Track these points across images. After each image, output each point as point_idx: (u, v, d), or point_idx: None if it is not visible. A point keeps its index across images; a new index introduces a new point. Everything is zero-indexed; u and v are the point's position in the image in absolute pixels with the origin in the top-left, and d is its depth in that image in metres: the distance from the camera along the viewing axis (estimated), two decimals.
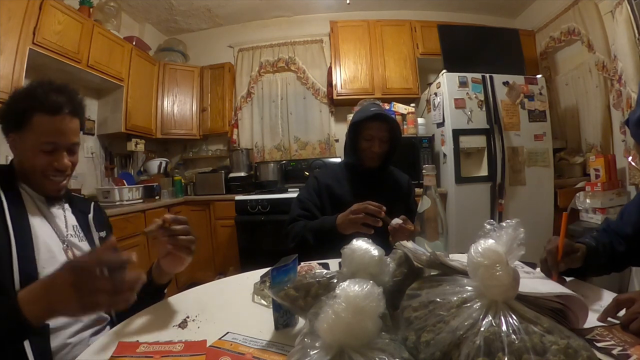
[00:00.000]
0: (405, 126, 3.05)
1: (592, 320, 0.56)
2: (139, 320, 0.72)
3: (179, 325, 0.67)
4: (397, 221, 1.07)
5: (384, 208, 1.10)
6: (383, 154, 1.40)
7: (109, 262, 0.55)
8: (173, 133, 3.42)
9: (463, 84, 2.69)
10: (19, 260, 0.72)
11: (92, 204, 1.02)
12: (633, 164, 2.20)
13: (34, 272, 0.75)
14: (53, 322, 0.74)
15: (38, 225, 0.82)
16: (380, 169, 1.43)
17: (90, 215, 0.97)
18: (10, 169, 0.86)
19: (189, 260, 0.79)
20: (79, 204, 0.97)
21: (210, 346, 0.57)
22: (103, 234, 0.97)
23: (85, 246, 0.90)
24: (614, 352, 0.47)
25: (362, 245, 0.59)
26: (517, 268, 0.46)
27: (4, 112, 0.84)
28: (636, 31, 2.09)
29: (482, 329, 0.39)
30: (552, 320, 0.41)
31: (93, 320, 0.83)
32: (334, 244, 0.98)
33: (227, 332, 0.62)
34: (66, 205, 0.93)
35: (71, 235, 0.89)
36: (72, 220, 0.92)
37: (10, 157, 0.89)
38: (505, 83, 2.72)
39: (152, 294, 0.83)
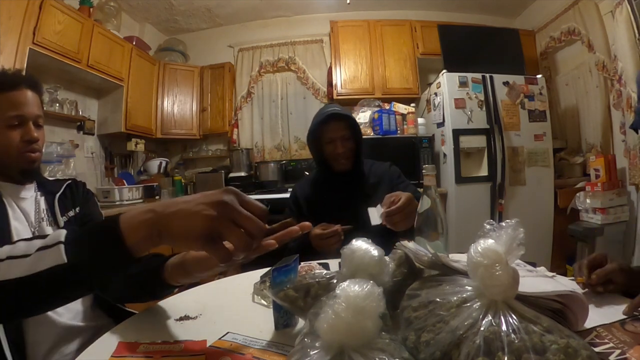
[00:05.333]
0: (405, 126, 3.05)
1: (592, 320, 0.56)
2: (139, 320, 0.72)
3: (179, 326, 0.67)
4: (375, 213, 1.04)
5: (339, 227, 1.15)
6: (351, 153, 1.35)
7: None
8: (173, 133, 3.42)
9: (463, 84, 2.69)
10: None
11: (67, 182, 0.98)
12: None
13: None
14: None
15: (12, 219, 0.82)
16: (355, 168, 1.37)
17: (58, 195, 0.93)
18: None
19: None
20: (49, 186, 0.95)
21: (210, 346, 0.57)
22: (74, 212, 0.94)
23: (51, 232, 0.88)
24: (612, 357, 0.47)
25: (362, 245, 0.59)
26: (519, 267, 0.46)
27: None
28: (636, 31, 2.09)
29: (482, 328, 0.39)
30: (551, 320, 0.41)
31: (72, 332, 0.81)
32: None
33: (227, 332, 0.61)
34: (38, 186, 0.92)
35: (41, 219, 0.88)
36: (43, 203, 0.91)
37: None
38: (505, 83, 2.72)
39: (158, 287, 0.70)
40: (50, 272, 0.44)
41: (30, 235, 0.83)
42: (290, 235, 0.53)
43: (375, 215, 1.05)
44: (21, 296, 0.45)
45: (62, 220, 0.90)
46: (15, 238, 0.79)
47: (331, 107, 1.37)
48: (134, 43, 2.98)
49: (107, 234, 0.46)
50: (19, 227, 0.83)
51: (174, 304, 0.79)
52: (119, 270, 0.48)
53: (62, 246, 0.45)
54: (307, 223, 0.55)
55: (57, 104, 2.42)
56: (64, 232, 0.47)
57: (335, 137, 1.31)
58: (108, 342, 0.60)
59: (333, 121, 1.31)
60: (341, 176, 1.37)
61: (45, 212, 0.90)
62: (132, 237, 0.45)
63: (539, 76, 2.82)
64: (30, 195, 0.89)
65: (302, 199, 1.39)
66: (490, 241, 0.45)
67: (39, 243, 0.47)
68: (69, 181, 1.00)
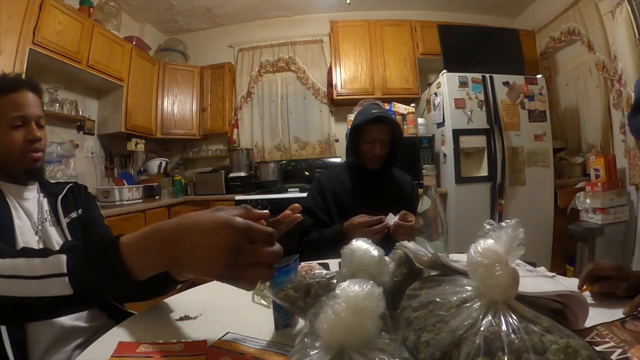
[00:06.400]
0: (405, 126, 3.05)
1: (592, 319, 0.56)
2: (139, 320, 0.72)
3: (179, 325, 0.67)
4: (392, 219, 1.11)
5: (382, 217, 1.15)
6: (385, 156, 1.40)
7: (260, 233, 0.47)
8: (173, 133, 3.43)
9: (463, 84, 2.69)
10: None
11: (69, 185, 1.00)
12: None
13: None
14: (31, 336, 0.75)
15: (15, 218, 0.83)
16: (383, 171, 1.43)
17: (60, 197, 0.95)
18: None
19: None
20: (51, 188, 0.97)
21: (210, 346, 0.57)
22: (76, 213, 0.95)
23: (54, 232, 0.90)
24: (613, 357, 0.47)
25: (362, 245, 0.59)
26: (519, 266, 0.46)
27: None
28: (636, 31, 2.09)
29: (482, 328, 0.39)
30: (551, 320, 0.41)
31: (72, 332, 0.82)
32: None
33: (227, 332, 0.61)
34: (40, 188, 0.94)
35: (44, 220, 0.89)
36: (46, 204, 0.92)
37: None
38: (505, 83, 2.72)
39: (164, 284, 0.68)
40: (56, 297, 0.46)
41: (33, 235, 0.85)
42: (293, 222, 0.59)
43: (390, 220, 1.14)
44: (25, 311, 0.47)
45: (64, 221, 0.91)
46: (18, 237, 0.81)
47: (377, 107, 1.42)
48: (134, 43, 2.98)
49: (112, 266, 0.46)
50: (22, 227, 0.84)
51: (174, 304, 0.79)
52: (123, 292, 0.50)
53: (66, 278, 0.46)
54: (296, 205, 0.62)
55: (57, 104, 2.42)
56: (64, 259, 0.47)
57: (376, 139, 1.36)
58: (108, 342, 0.60)
59: (380, 123, 1.35)
60: (369, 175, 1.42)
61: (48, 212, 0.91)
62: (140, 271, 0.46)
63: (539, 76, 2.82)
64: (33, 196, 0.91)
65: (328, 189, 1.42)
66: (490, 241, 0.45)
67: (40, 268, 0.46)
68: (71, 184, 1.02)
